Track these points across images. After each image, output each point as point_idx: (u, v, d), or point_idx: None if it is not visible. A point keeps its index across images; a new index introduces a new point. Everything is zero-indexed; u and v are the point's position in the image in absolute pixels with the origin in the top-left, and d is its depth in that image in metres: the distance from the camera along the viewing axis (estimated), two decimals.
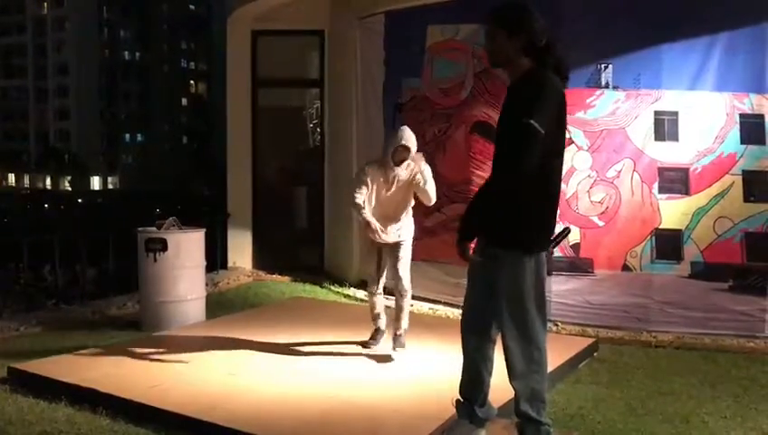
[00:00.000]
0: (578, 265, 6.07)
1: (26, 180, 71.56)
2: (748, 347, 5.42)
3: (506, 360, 3.11)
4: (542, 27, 3.03)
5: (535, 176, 2.94)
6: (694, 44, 5.70)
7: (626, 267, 5.94)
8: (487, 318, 3.21)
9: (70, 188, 66.92)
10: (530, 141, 2.87)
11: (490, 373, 3.30)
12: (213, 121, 65.59)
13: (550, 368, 4.34)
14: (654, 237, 5.85)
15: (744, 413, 4.02)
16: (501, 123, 3.08)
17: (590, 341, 5.32)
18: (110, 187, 71.22)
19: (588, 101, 5.96)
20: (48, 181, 70.02)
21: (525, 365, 3.07)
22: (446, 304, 6.58)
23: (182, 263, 5.73)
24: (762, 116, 5.59)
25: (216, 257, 8.32)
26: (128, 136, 74.88)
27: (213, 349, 4.91)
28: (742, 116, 5.61)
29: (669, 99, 5.78)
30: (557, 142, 3.05)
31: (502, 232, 3.05)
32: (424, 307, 6.64)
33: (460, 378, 3.33)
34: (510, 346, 3.09)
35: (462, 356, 3.31)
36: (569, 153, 6.03)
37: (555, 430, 3.25)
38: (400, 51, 7.19)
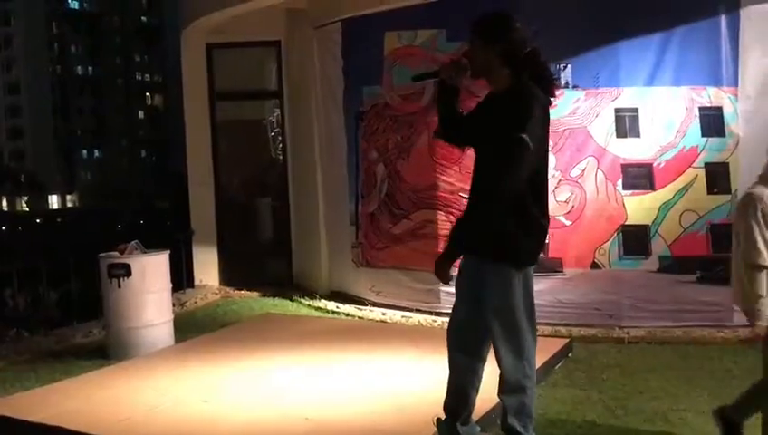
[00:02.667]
0: (547, 266, 6.06)
1: None
2: (718, 338, 5.48)
3: (500, 374, 3.07)
4: (523, 37, 3.02)
5: (524, 189, 2.93)
6: (650, 41, 5.74)
7: (595, 265, 5.97)
8: (477, 335, 3.15)
9: (27, 209, 65.46)
10: (522, 156, 2.86)
11: (477, 391, 3.26)
12: (171, 134, 64.77)
13: None
14: (621, 234, 5.88)
15: None
16: (482, 132, 3.03)
17: (565, 341, 5.31)
18: (70, 205, 69.86)
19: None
20: (4, 202, 68.41)
21: (517, 380, 3.04)
22: (418, 311, 6.54)
23: (147, 287, 5.59)
24: (720, 108, 5.66)
25: (181, 276, 8.16)
26: (84, 152, 73.56)
27: (184, 375, 4.78)
28: (701, 109, 5.68)
29: (629, 96, 5.82)
30: (544, 156, 3.05)
31: (490, 246, 3.01)
32: (396, 315, 6.59)
33: (445, 395, 3.27)
34: (503, 360, 3.05)
35: (449, 372, 3.25)
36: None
37: None
38: (359, 59, 7.13)
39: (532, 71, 2.99)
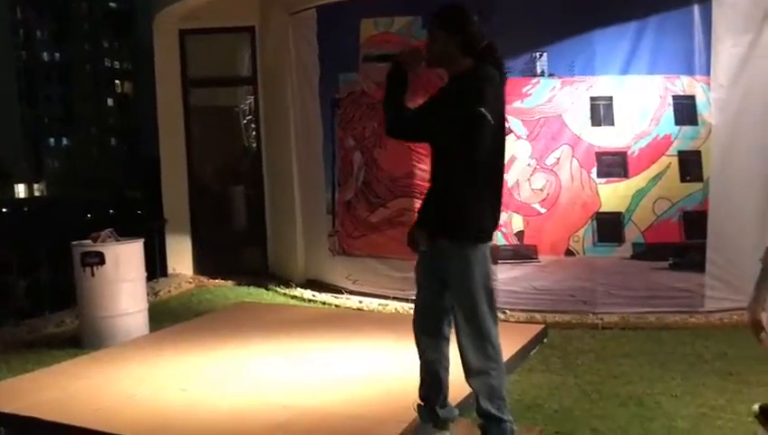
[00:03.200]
0: (522, 253, 6.12)
1: None
2: (690, 323, 5.58)
3: (461, 357, 3.09)
4: (480, 30, 3.11)
5: (483, 166, 2.99)
6: (625, 29, 5.79)
7: (569, 252, 6.03)
8: (439, 316, 3.19)
9: None
10: (483, 130, 2.93)
11: (447, 371, 3.27)
12: (141, 121, 63.90)
13: (504, 358, 4.38)
14: (595, 221, 5.94)
15: (694, 390, 4.12)
16: (442, 113, 3.06)
17: (540, 327, 5.37)
18: (37, 194, 68.64)
19: (524, 90, 5.99)
20: None
21: (481, 362, 3.06)
22: (395, 298, 6.55)
23: (122, 276, 5.53)
24: (693, 97, 5.73)
25: (154, 265, 8.08)
26: (52, 140, 72.24)
27: (160, 364, 4.75)
28: (675, 98, 5.74)
29: (604, 84, 5.87)
30: (501, 132, 3.11)
31: (451, 224, 3.04)
32: (373, 303, 6.60)
33: (419, 381, 3.29)
34: (463, 343, 3.08)
35: (419, 359, 3.27)
36: (508, 142, 6.06)
37: (516, 423, 3.25)
38: (335, 46, 7.09)
39: (490, 63, 3.08)
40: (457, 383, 3.24)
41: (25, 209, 56.53)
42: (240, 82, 8.92)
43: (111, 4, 76.05)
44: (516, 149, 6.02)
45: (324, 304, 6.84)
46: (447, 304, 3.16)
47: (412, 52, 3.22)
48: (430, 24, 3.19)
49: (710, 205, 5.71)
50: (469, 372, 3.09)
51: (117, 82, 76.43)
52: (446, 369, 3.26)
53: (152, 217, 9.72)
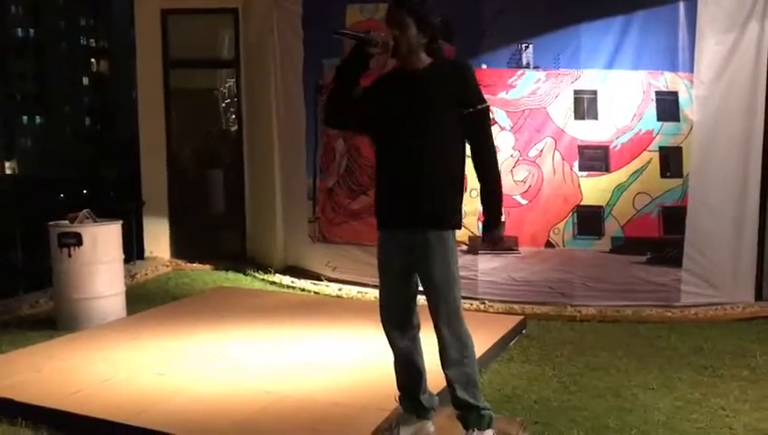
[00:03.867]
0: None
1: None
2: (666, 317, 5.65)
3: (441, 348, 3.09)
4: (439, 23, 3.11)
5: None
6: (610, 24, 5.83)
7: (549, 244, 6.07)
8: (408, 305, 3.18)
9: None
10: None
11: (422, 358, 3.27)
12: (118, 102, 63.02)
13: (484, 348, 4.44)
14: (576, 214, 5.98)
15: (670, 383, 4.18)
16: (418, 105, 3.02)
17: (519, 318, 5.40)
18: (8, 172, 67.44)
19: (509, 81, 6.01)
20: None
21: (459, 352, 3.07)
22: (374, 286, 6.51)
23: (99, 257, 5.45)
24: (676, 93, 5.78)
25: (131, 247, 7.98)
26: (25, 118, 70.94)
27: (137, 347, 4.70)
28: (657, 93, 5.79)
29: (588, 78, 5.90)
30: None
31: (441, 216, 3.05)
32: (353, 291, 6.59)
33: (395, 372, 3.28)
34: (444, 334, 3.07)
35: (392, 351, 3.25)
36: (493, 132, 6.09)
37: (498, 414, 3.27)
38: (319, 30, 7.00)
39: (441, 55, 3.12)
40: (434, 372, 3.24)
41: None
42: (222, 65, 8.80)
43: None
44: (500, 140, 6.03)
45: (303, 290, 6.82)
46: (414, 291, 3.16)
47: (383, 39, 3.03)
48: (398, 14, 3.01)
49: (689, 201, 5.78)
50: (447, 363, 3.09)
51: (92, 60, 75.21)
52: (421, 355, 3.26)
53: (129, 199, 9.58)
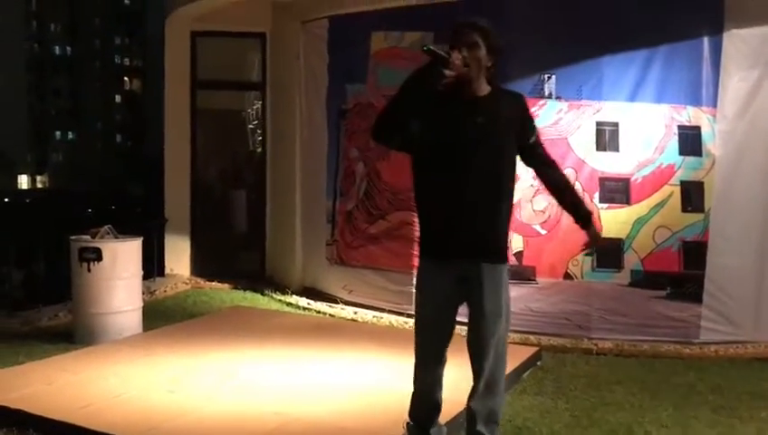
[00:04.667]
0: (521, 274, 6.10)
1: None
2: (685, 353, 5.55)
3: (476, 380, 3.05)
4: None
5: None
6: (633, 57, 5.80)
7: (567, 275, 6.01)
8: (448, 340, 3.14)
9: None
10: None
11: (441, 393, 3.24)
12: (148, 120, 63.98)
13: None
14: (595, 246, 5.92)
15: (685, 422, 4.09)
16: (497, 134, 3.03)
17: (534, 350, 5.35)
18: (39, 186, 68.64)
19: (531, 110, 5.99)
20: None
21: (491, 387, 3.04)
22: (390, 311, 6.54)
23: (118, 273, 5.52)
24: (698, 128, 5.73)
25: (152, 264, 8.06)
26: (58, 133, 72.35)
27: (150, 364, 4.73)
28: (680, 127, 5.75)
29: (610, 110, 5.88)
30: None
31: (498, 245, 3.07)
32: (368, 315, 6.59)
33: (412, 402, 3.25)
34: (483, 368, 3.02)
35: (414, 382, 3.21)
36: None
37: None
38: (344, 56, 7.11)
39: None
40: (446, 401, 3.21)
41: (27, 200, 56.49)
42: (248, 87, 8.95)
43: (124, 2, 76.41)
44: (520, 169, 6.00)
45: (319, 312, 6.83)
46: (454, 325, 3.12)
47: (462, 62, 2.89)
48: (472, 37, 2.93)
49: (710, 236, 5.70)
50: (476, 396, 3.05)
51: (125, 78, 76.64)
52: (441, 391, 3.23)
53: (153, 216, 9.70)
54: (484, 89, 3.04)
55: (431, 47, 2.87)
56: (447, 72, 2.86)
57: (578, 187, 5.89)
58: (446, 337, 3.13)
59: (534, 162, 3.19)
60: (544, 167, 3.21)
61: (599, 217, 5.89)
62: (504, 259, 3.11)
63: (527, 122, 3.13)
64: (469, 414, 3.08)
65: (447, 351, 3.16)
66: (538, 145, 3.17)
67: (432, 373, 3.16)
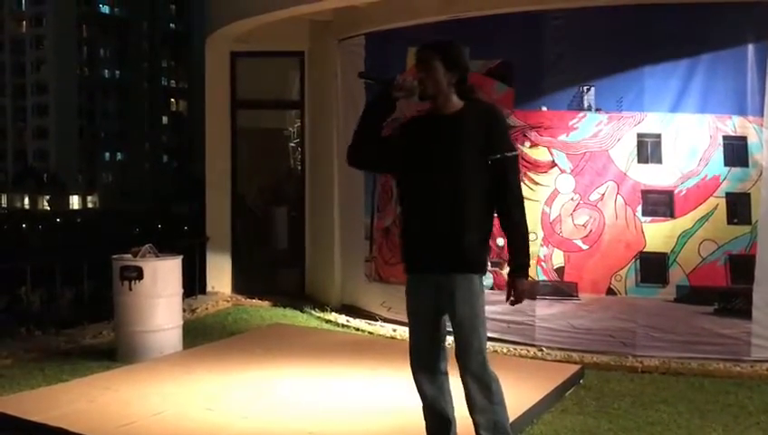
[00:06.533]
0: (562, 289, 5.99)
1: (4, 200, 70.59)
2: (735, 372, 5.36)
3: (465, 393, 3.07)
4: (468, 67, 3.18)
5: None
6: (675, 67, 5.67)
7: (610, 291, 5.87)
8: (437, 350, 3.16)
9: (48, 208, 66.12)
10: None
11: (452, 406, 3.22)
12: (193, 140, 65.26)
13: (536, 398, 4.32)
14: (638, 261, 5.78)
15: None
16: (451, 151, 3.05)
17: (577, 367, 5.23)
18: (90, 205, 70.49)
19: (570, 123, 5.91)
20: (26, 200, 69.13)
21: (484, 397, 3.04)
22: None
23: (158, 291, 5.58)
24: (744, 138, 5.56)
25: (194, 282, 8.16)
26: (107, 154, 74.33)
27: (190, 381, 4.76)
28: (725, 138, 5.58)
29: (652, 121, 5.75)
30: None
31: (471, 256, 3.06)
32: (407, 332, 6.51)
33: (424, 422, 3.24)
34: (467, 378, 3.06)
35: (421, 399, 3.21)
36: (552, 176, 6.01)
37: None
38: (381, 73, 7.08)
39: (473, 98, 3.15)
40: (465, 417, 3.17)
41: (78, 220, 58.07)
42: (287, 106, 9.04)
43: (171, 26, 78.38)
44: (560, 183, 5.93)
45: (358, 330, 6.80)
46: (442, 336, 3.16)
47: (410, 83, 3.09)
48: (425, 54, 3.10)
49: (758, 249, 5.51)
50: (474, 408, 3.07)
51: (172, 100, 78.47)
52: (451, 404, 3.22)
53: (196, 234, 9.84)
54: (455, 105, 3.10)
55: (363, 73, 3.14)
56: (395, 94, 3.06)
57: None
58: (433, 348, 3.15)
59: (496, 190, 3.05)
60: (500, 204, 3.07)
61: (641, 230, 5.76)
62: (478, 270, 3.08)
63: (492, 137, 3.05)
64: (474, 427, 3.09)
65: (446, 365, 3.18)
66: (500, 169, 3.03)
67: (430, 385, 3.17)
